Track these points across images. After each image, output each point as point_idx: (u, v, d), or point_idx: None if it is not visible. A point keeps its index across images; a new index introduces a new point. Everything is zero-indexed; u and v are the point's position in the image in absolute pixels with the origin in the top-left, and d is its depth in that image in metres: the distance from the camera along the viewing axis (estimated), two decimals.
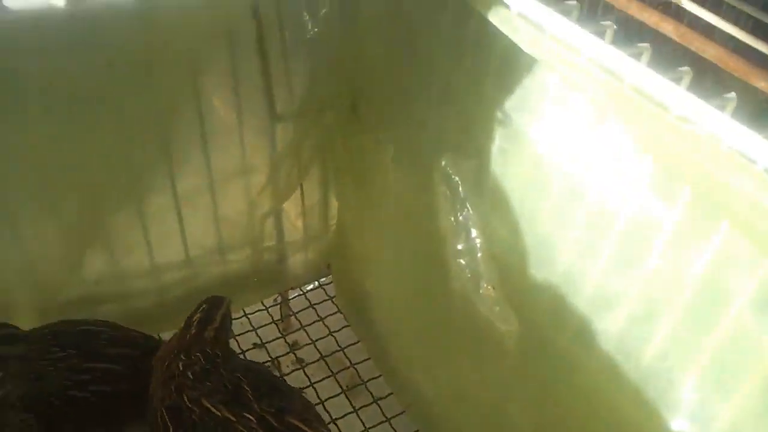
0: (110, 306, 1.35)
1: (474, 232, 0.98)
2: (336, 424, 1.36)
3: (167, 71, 1.09)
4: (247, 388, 1.05)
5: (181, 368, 1.06)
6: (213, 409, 1.02)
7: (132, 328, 1.28)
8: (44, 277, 1.24)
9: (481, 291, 1.00)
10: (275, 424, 1.02)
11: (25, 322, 1.18)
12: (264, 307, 1.59)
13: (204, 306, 1.14)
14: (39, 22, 0.61)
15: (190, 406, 1.03)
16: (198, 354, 1.07)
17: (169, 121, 1.18)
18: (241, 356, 1.47)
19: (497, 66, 0.88)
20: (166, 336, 1.40)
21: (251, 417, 1.01)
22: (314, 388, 1.43)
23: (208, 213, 1.35)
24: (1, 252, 1.17)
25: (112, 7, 0.67)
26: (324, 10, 1.13)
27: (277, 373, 1.47)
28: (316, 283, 1.63)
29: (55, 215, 1.18)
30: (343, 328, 1.53)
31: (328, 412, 1.38)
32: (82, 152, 1.11)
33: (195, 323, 1.11)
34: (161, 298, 1.41)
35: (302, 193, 1.41)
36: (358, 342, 1.50)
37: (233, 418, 1.01)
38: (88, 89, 1.02)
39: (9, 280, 1.21)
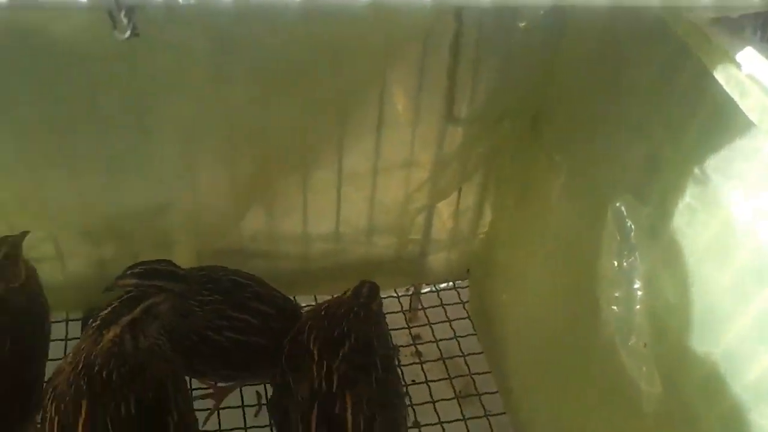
0: (259, 262, 1.43)
1: (637, 283, 0.93)
2: (443, 426, 1.37)
3: (361, 57, 1.12)
4: (346, 347, 1.14)
5: (323, 306, 1.21)
6: (311, 343, 1.16)
7: (274, 288, 1.34)
8: (209, 225, 1.34)
9: (629, 344, 0.95)
10: (334, 386, 1.10)
11: (183, 260, 1.27)
12: (395, 295, 1.61)
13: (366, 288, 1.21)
14: (272, 10, 0.66)
15: (306, 329, 1.18)
16: (343, 306, 1.18)
17: (351, 104, 1.21)
18: None
19: (705, 119, 0.82)
20: (301, 300, 1.48)
21: (324, 365, 1.12)
22: (428, 386, 1.44)
23: (365, 196, 1.38)
24: (178, 193, 1.27)
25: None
26: (525, 23, 1.10)
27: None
28: (451, 283, 1.63)
29: (230, 170, 1.25)
30: (469, 335, 1.52)
31: (437, 412, 1.39)
32: (268, 119, 1.17)
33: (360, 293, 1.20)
34: (305, 265, 1.47)
35: (459, 196, 1.40)
36: (481, 353, 1.49)
37: (315, 357, 1.13)
38: (289, 64, 1.07)
39: (180, 220, 1.31)
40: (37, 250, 1.30)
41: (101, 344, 1.00)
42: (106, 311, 1.03)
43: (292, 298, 1.42)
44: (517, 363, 1.33)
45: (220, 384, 1.38)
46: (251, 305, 1.28)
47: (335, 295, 1.24)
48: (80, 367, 1.00)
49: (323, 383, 1.11)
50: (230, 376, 1.33)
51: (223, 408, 1.37)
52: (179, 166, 1.23)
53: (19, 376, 1.09)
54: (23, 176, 1.20)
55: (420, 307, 1.60)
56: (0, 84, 1.07)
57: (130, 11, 0.58)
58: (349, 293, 1.20)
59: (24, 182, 1.21)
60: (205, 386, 1.39)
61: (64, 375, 1.02)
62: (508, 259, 1.37)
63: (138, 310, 1.03)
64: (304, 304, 1.47)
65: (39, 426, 1.14)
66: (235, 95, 1.12)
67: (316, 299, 1.54)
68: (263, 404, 1.42)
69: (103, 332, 1.01)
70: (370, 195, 1.37)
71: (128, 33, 0.59)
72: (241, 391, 1.40)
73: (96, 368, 1.00)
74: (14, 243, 1.15)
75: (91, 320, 1.04)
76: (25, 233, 1.18)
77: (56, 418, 1.00)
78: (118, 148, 1.19)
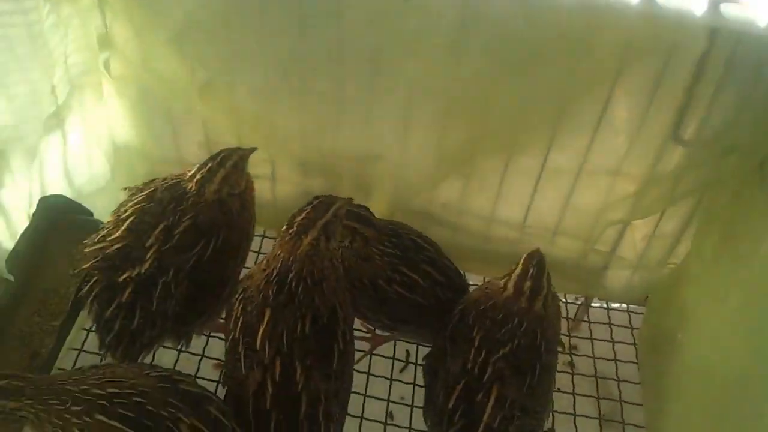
0: (441, 230, 1.48)
1: None
2: None
3: (598, 54, 1.11)
4: (507, 349, 1.15)
5: (491, 302, 1.21)
6: (474, 330, 1.18)
7: (449, 259, 1.39)
8: (408, 183, 1.41)
9: None
10: (485, 376, 1.13)
11: (376, 210, 1.35)
12: (563, 300, 1.58)
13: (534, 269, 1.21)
14: None
15: (472, 316, 1.21)
16: (506, 307, 1.19)
17: (575, 99, 1.20)
18: None
19: None
20: (470, 278, 1.51)
21: (482, 354, 1.14)
22: (574, 398, 1.41)
23: (561, 193, 1.37)
24: (390, 147, 1.36)
25: None
26: None
27: None
28: (624, 306, 1.57)
29: (441, 137, 1.31)
30: (629, 361, 1.46)
31: (576, 426, 1.36)
32: (490, 95, 1.21)
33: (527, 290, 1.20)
34: (484, 246, 1.50)
35: (660, 219, 1.35)
36: (637, 383, 1.43)
37: (476, 344, 1.16)
38: (525, 47, 1.10)
39: (384, 173, 1.39)
40: (256, 167, 1.44)
41: (300, 248, 1.09)
42: (300, 217, 1.11)
43: (463, 273, 1.46)
44: (675, 405, 1.26)
45: (378, 331, 1.47)
46: (423, 268, 1.33)
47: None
48: (274, 274, 1.10)
49: (476, 369, 1.14)
50: (387, 326, 1.40)
51: (376, 354, 1.45)
52: (397, 122, 1.31)
53: (220, 270, 1.23)
54: (263, 100, 1.35)
55: (586, 319, 1.56)
56: (268, 16, 1.21)
57: None
58: (510, 285, 1.20)
59: (263, 105, 1.36)
60: (364, 330, 1.48)
61: (255, 281, 1.13)
62: (695, 298, 1.29)
63: (330, 212, 1.11)
64: (471, 282, 1.50)
65: (223, 321, 1.29)
66: (466, 67, 1.17)
67: (484, 279, 1.57)
68: (410, 362, 1.49)
69: (302, 237, 1.09)
70: (567, 194, 1.36)
71: None
72: (395, 344, 1.47)
73: (290, 276, 1.08)
74: (243, 156, 1.28)
75: (284, 228, 1.12)
76: (254, 149, 1.32)
77: (241, 319, 1.11)
78: (348, 94, 1.29)
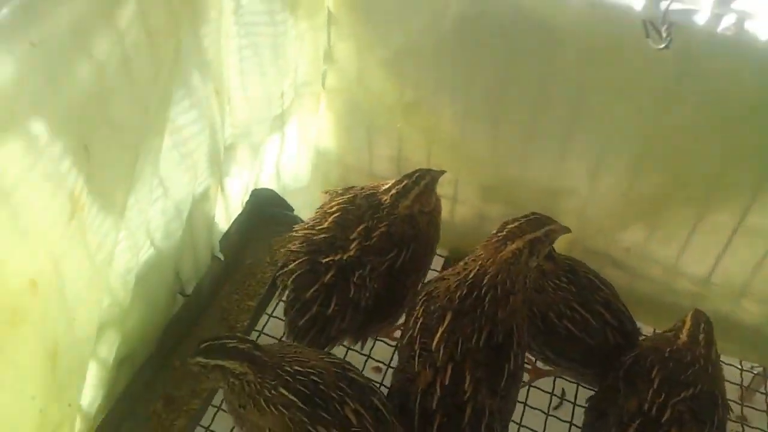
0: (618, 273, 1.47)
1: None
2: None
3: None
4: (689, 392, 1.13)
5: (667, 349, 1.20)
6: (653, 373, 1.17)
7: (624, 304, 1.36)
8: (592, 222, 1.42)
9: None
10: (663, 418, 1.11)
11: (555, 245, 1.36)
12: (739, 367, 1.50)
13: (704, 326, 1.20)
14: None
15: (648, 361, 1.20)
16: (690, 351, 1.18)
17: None
18: None
19: None
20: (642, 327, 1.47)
21: (661, 396, 1.13)
22: None
23: (754, 255, 1.32)
24: (580, 185, 1.38)
25: None
26: None
27: None
28: None
29: (632, 181, 1.32)
30: None
31: None
32: (695, 147, 1.20)
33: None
34: (661, 295, 1.47)
35: None
36: None
37: (655, 386, 1.15)
38: (740, 109, 1.10)
39: (569, 209, 1.42)
40: (440, 187, 1.50)
41: (503, 253, 1.10)
42: (512, 225, 1.12)
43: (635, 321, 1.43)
44: None
45: (539, 364, 1.47)
46: (597, 308, 1.32)
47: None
48: (471, 275, 1.12)
49: (653, 410, 1.12)
50: (551, 360, 1.39)
51: (534, 386, 1.45)
52: (590, 161, 1.33)
53: (405, 280, 1.30)
54: (461, 124, 1.42)
55: (763, 390, 1.47)
56: (480, 48, 1.28)
57: (671, 26, 0.65)
58: (684, 334, 1.20)
59: (460, 129, 1.42)
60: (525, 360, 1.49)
61: (446, 282, 1.15)
62: None
63: (542, 231, 1.11)
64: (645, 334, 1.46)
65: (399, 325, 1.35)
66: (673, 116, 1.18)
67: (654, 331, 1.53)
68: (566, 400, 1.47)
69: (508, 243, 1.10)
70: (761, 257, 1.31)
71: (663, 45, 0.66)
72: (554, 380, 1.47)
73: (485, 279, 1.10)
74: (435, 177, 1.34)
75: (494, 232, 1.14)
76: (443, 172, 1.37)
77: (421, 319, 1.15)
78: (545, 128, 1.33)
